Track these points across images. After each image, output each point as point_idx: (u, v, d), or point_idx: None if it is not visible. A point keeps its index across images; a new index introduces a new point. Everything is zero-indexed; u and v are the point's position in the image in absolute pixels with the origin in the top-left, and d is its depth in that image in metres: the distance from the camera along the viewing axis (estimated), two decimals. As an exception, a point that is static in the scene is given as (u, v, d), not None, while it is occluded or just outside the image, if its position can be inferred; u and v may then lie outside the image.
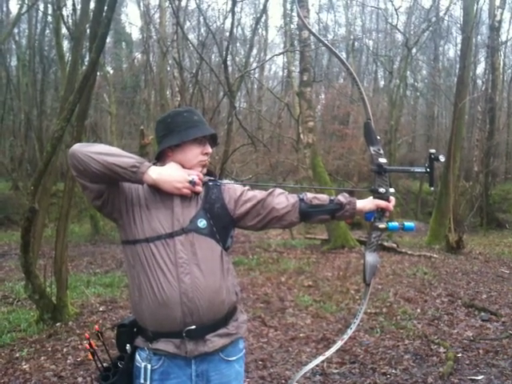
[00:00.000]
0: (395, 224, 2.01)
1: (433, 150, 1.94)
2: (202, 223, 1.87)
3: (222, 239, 1.92)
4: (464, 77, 13.34)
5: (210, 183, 1.97)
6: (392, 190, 1.96)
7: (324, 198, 1.98)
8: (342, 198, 1.96)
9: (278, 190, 2.01)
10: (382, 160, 1.94)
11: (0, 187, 20.55)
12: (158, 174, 1.80)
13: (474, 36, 19.02)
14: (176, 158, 1.91)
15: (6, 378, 4.11)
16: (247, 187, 2.03)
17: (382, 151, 1.97)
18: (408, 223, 2.02)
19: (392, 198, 1.97)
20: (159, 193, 1.87)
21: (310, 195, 1.98)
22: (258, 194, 1.98)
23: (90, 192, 1.83)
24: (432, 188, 2.13)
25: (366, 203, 1.96)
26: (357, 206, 1.95)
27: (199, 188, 1.86)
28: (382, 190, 1.94)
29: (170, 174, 1.82)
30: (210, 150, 1.95)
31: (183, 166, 1.90)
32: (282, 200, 1.96)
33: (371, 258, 2.00)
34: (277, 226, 2.00)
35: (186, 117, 1.93)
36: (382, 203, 1.94)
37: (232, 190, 1.98)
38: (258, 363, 4.44)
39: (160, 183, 1.81)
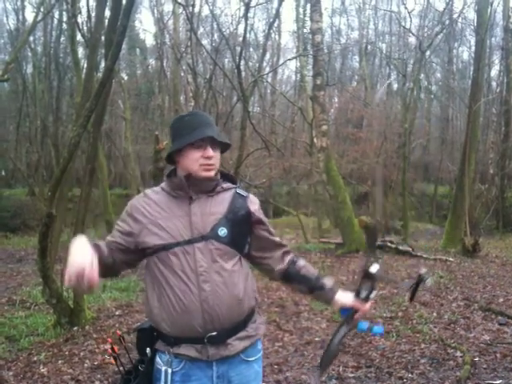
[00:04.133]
0: (364, 326, 2.00)
1: (423, 270, 2.00)
2: (222, 232, 1.86)
3: (241, 246, 1.94)
4: (478, 79, 13.27)
5: (237, 193, 1.98)
6: (374, 293, 1.96)
7: (312, 272, 2.06)
8: (328, 282, 2.03)
9: (287, 248, 2.10)
10: (374, 268, 1.95)
11: (16, 193, 20.80)
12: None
13: (488, 38, 18.88)
14: (182, 163, 1.91)
15: (25, 382, 4.16)
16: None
17: (378, 256, 1.99)
18: (377, 327, 2.03)
19: (369, 303, 1.97)
20: (176, 200, 1.90)
21: (301, 263, 2.07)
22: (276, 237, 2.07)
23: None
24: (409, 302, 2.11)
25: (345, 299, 1.99)
26: (335, 296, 2.00)
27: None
28: (363, 294, 1.95)
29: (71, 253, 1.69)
30: (210, 153, 1.88)
31: (188, 171, 1.90)
32: (282, 257, 2.05)
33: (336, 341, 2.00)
34: (261, 269, 2.09)
35: (187, 121, 1.93)
36: (359, 306, 1.96)
37: (257, 206, 2.02)
38: (274, 367, 4.44)
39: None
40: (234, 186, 2.01)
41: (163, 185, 1.97)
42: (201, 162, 1.88)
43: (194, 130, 1.88)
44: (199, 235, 1.84)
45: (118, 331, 2.17)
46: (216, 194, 1.94)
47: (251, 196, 2.04)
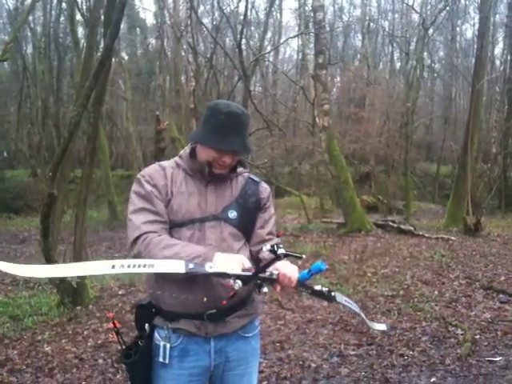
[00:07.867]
0: (304, 274, 1.90)
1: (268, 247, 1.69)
2: (232, 214, 1.91)
3: (248, 230, 1.98)
4: (482, 57, 13.12)
5: (250, 179, 2.03)
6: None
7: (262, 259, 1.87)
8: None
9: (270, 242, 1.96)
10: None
11: (19, 174, 20.82)
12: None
13: (492, 15, 18.61)
14: (200, 150, 1.92)
15: (29, 360, 4.20)
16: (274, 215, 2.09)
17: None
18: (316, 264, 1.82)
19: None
20: (193, 180, 1.92)
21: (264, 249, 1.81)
22: (272, 229, 2.03)
23: None
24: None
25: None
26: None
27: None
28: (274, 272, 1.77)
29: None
30: (227, 162, 1.89)
31: (200, 159, 1.92)
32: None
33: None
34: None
35: (221, 121, 1.86)
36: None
37: (267, 193, 2.03)
38: (276, 345, 4.48)
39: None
40: (247, 170, 2.06)
41: (178, 161, 1.97)
42: (217, 160, 1.88)
43: (222, 136, 1.84)
44: (211, 214, 1.88)
45: (110, 313, 2.16)
46: (230, 178, 1.98)
47: (263, 183, 2.07)
